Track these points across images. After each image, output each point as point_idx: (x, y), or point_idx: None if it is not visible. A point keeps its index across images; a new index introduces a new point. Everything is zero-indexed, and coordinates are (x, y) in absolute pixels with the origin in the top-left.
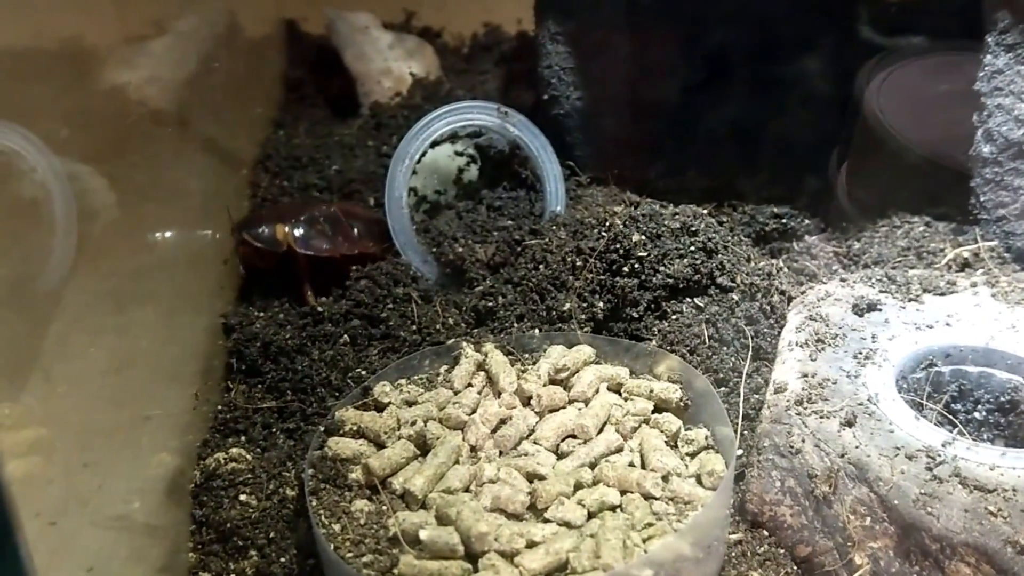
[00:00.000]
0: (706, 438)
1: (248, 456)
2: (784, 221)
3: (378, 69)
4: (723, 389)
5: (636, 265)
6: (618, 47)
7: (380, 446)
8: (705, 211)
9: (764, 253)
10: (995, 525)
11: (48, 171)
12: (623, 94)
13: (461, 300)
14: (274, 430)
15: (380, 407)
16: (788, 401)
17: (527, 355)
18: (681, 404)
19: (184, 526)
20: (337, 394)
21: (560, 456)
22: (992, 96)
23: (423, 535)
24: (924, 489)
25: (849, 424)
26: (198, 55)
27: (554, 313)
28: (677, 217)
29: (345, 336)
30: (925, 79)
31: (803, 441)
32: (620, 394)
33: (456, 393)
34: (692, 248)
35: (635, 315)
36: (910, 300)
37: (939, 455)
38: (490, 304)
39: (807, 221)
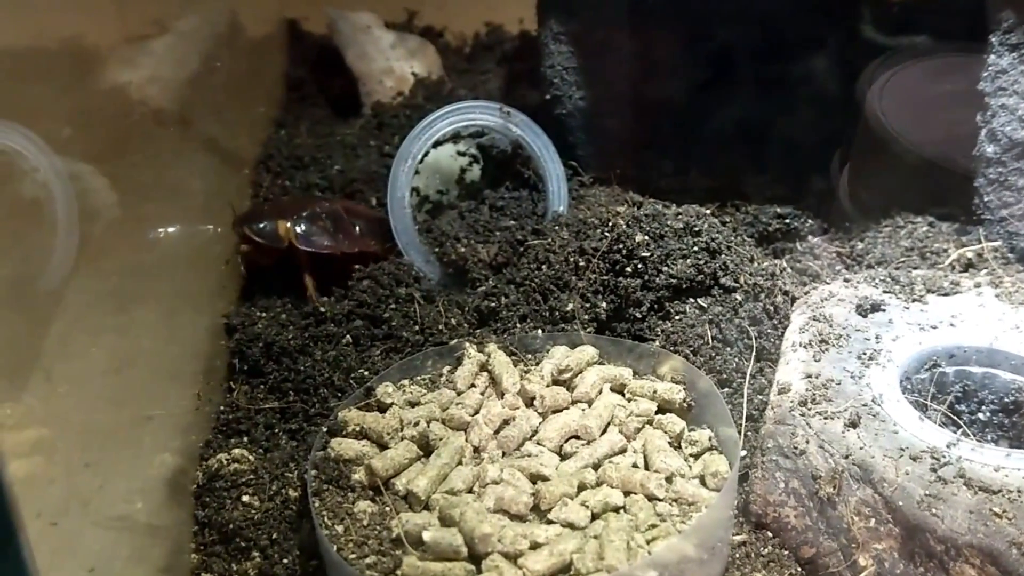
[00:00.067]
0: (710, 439)
1: (251, 457)
2: (787, 221)
3: (380, 69)
4: (727, 390)
5: (639, 265)
6: (621, 47)
7: (383, 447)
8: (708, 211)
9: (767, 253)
10: (1000, 526)
11: (50, 171)
12: (626, 94)
13: (464, 300)
14: (276, 431)
15: (383, 408)
16: (792, 402)
17: (530, 356)
18: (685, 405)
19: (186, 527)
20: (340, 395)
21: (563, 457)
22: (996, 96)
23: (426, 536)
24: (929, 490)
25: (853, 425)
26: (199, 54)
27: (557, 313)
28: (680, 217)
29: (348, 336)
30: (927, 81)
31: (807, 442)
32: (623, 395)
33: (459, 394)
34: (695, 248)
35: (638, 315)
36: (914, 300)
37: (943, 456)
38: (493, 304)
39: (810, 221)
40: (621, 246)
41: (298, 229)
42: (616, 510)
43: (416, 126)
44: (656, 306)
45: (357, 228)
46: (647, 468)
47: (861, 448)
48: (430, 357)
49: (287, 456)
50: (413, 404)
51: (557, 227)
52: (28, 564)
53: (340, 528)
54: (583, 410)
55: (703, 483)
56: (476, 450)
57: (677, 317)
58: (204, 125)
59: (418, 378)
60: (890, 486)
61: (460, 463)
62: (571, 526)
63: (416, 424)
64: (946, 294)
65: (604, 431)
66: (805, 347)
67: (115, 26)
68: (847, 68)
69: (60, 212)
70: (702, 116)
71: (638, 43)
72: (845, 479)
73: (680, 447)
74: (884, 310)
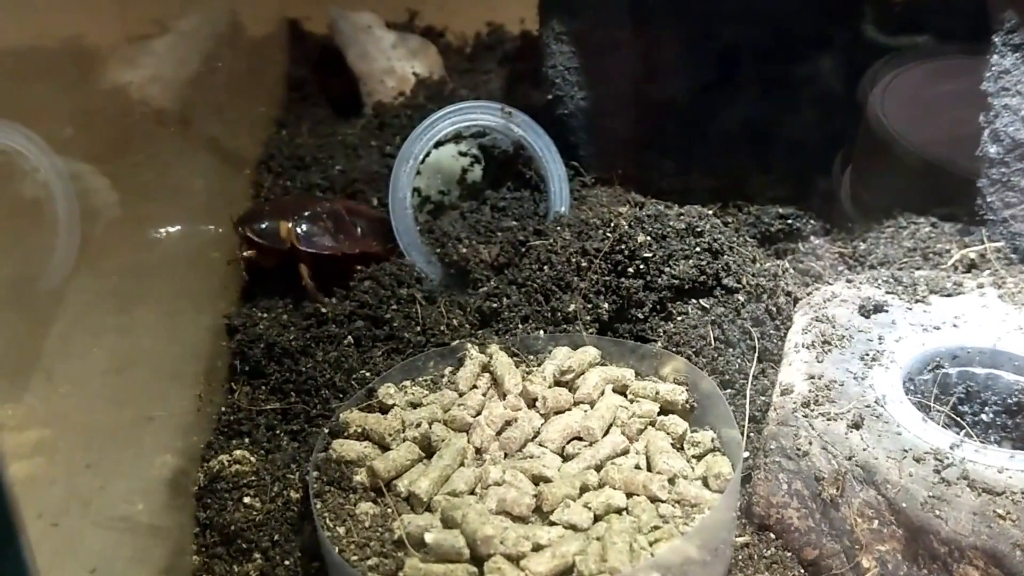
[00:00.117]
0: (712, 440)
1: (252, 458)
2: (790, 222)
3: (381, 69)
4: (729, 391)
5: (641, 266)
6: (622, 47)
7: (385, 448)
8: (710, 212)
9: (770, 254)
10: (1004, 528)
11: (50, 171)
12: (627, 94)
13: (465, 301)
14: (278, 432)
15: (384, 409)
16: (795, 403)
17: (532, 356)
18: (687, 406)
19: (188, 528)
20: (341, 396)
21: (566, 458)
22: (999, 96)
23: (428, 538)
24: (932, 492)
25: (856, 426)
26: (200, 54)
27: (559, 314)
28: (682, 218)
29: (349, 337)
30: (929, 83)
31: (810, 443)
32: (626, 396)
33: (461, 395)
34: (698, 249)
35: (640, 316)
36: (917, 301)
37: (947, 457)
38: (494, 305)
39: (813, 222)
40: (623, 247)
41: (299, 229)
42: (619, 512)
43: (417, 126)
44: (658, 307)
45: (359, 228)
46: (649, 469)
47: (864, 449)
48: (432, 358)
49: (289, 457)
50: (415, 405)
51: (559, 228)
52: (29, 565)
53: (342, 530)
54: (585, 411)
55: (706, 485)
56: (478, 451)
57: (679, 318)
58: (205, 125)
59: (420, 379)
60: (893, 488)
61: (462, 464)
62: (573, 528)
63: (418, 425)
64: (949, 295)
65: (606, 432)
66: (808, 348)
67: (116, 26)
68: (849, 68)
69: (61, 212)
70: (704, 116)
71: (640, 43)
72: (848, 480)
73: (683, 448)
74: (887, 311)
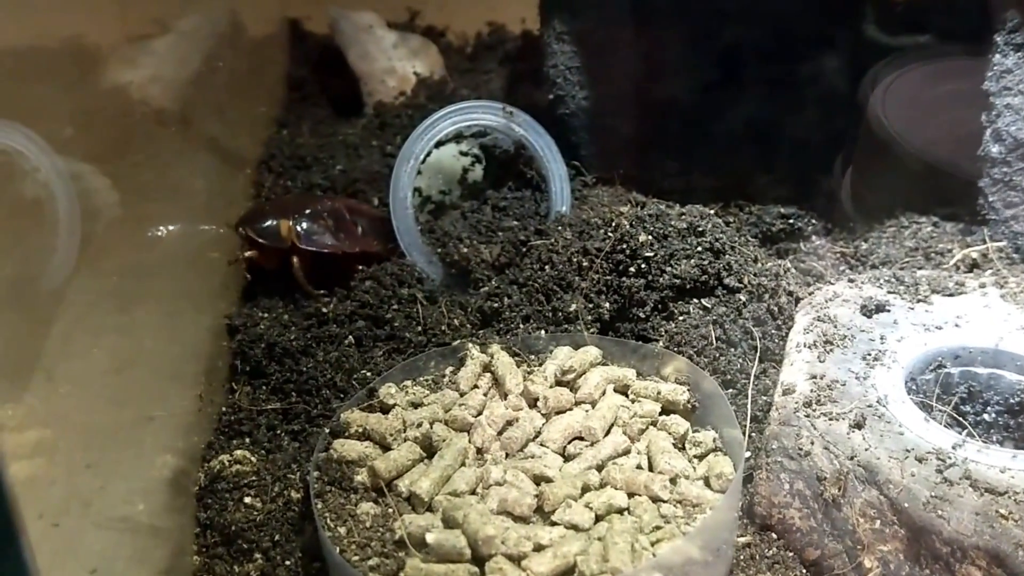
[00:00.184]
0: (714, 440)
1: (253, 458)
2: (791, 222)
3: (382, 68)
4: (731, 391)
5: (643, 265)
6: (624, 46)
7: (386, 448)
8: (712, 211)
9: (771, 254)
10: (1006, 528)
11: (51, 171)
12: (629, 94)
13: (466, 301)
14: (279, 432)
15: (385, 409)
16: (796, 403)
17: (533, 356)
18: (689, 406)
19: (188, 528)
20: (342, 396)
21: (567, 458)
22: (1001, 96)
23: (429, 538)
24: (934, 492)
25: (858, 426)
26: (201, 54)
27: (560, 314)
28: (684, 217)
29: (350, 337)
30: (929, 84)
31: (812, 443)
32: (627, 396)
33: (462, 395)
34: (699, 248)
35: (642, 316)
36: (919, 301)
37: (949, 457)
38: (496, 305)
39: (815, 222)
40: (624, 246)
41: (300, 228)
42: (620, 512)
43: (418, 126)
44: (660, 306)
45: (360, 227)
46: (651, 469)
47: (866, 449)
48: (433, 358)
49: (289, 457)
50: (416, 405)
51: (560, 227)
52: (29, 565)
53: (343, 530)
54: (587, 411)
55: (707, 485)
56: (479, 451)
57: (681, 318)
58: (206, 125)
59: (421, 379)
60: (895, 487)
61: (463, 464)
62: (575, 528)
63: (419, 425)
64: (951, 294)
65: (608, 432)
66: (809, 348)
67: (116, 26)
68: (851, 68)
69: (61, 212)
70: (705, 116)
71: (641, 43)
72: (850, 480)
73: (684, 448)
74: (889, 311)
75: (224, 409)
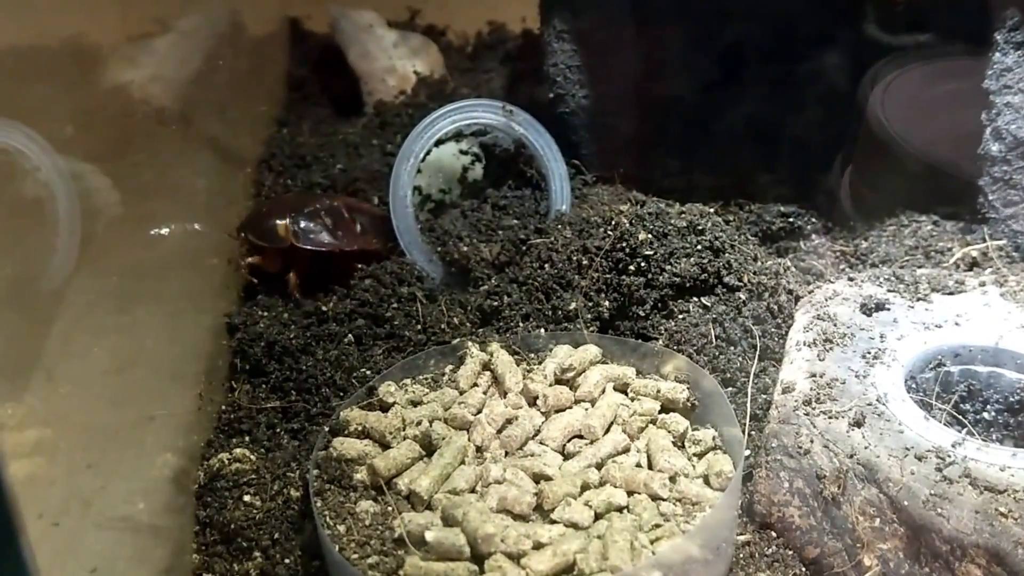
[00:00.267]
0: (714, 438)
1: (252, 457)
2: (791, 220)
3: (382, 67)
4: (730, 389)
5: (642, 264)
6: (624, 45)
7: (385, 446)
8: (712, 210)
9: (771, 252)
10: (1006, 526)
11: (51, 170)
12: (629, 92)
13: (466, 299)
14: (278, 430)
15: (385, 407)
16: (796, 401)
17: (533, 355)
18: (688, 404)
19: (188, 527)
20: (342, 394)
21: (566, 456)
22: (1001, 94)
23: (429, 536)
24: (934, 490)
25: (858, 424)
26: (201, 53)
27: (560, 312)
28: (684, 216)
29: (350, 336)
30: (929, 83)
31: (811, 441)
32: (627, 394)
33: (462, 393)
34: (699, 247)
35: (641, 314)
36: (918, 299)
37: (949, 456)
38: (495, 303)
39: (814, 220)
40: (624, 244)
41: (297, 227)
42: (620, 510)
43: (418, 125)
44: (659, 305)
45: (359, 225)
46: (651, 468)
47: (866, 447)
48: (432, 356)
49: (289, 456)
50: (415, 403)
51: (560, 226)
52: (29, 565)
53: (342, 528)
54: (586, 409)
55: (707, 483)
56: (479, 450)
57: (680, 316)
58: (206, 124)
59: (420, 377)
60: (895, 486)
61: (463, 463)
62: (574, 526)
63: (418, 423)
64: (951, 293)
65: (607, 430)
66: (809, 346)
67: (117, 25)
68: (851, 67)
69: (62, 211)
70: (705, 115)
71: (641, 42)
72: (850, 479)
73: (684, 447)
74: (888, 309)
75: (224, 408)
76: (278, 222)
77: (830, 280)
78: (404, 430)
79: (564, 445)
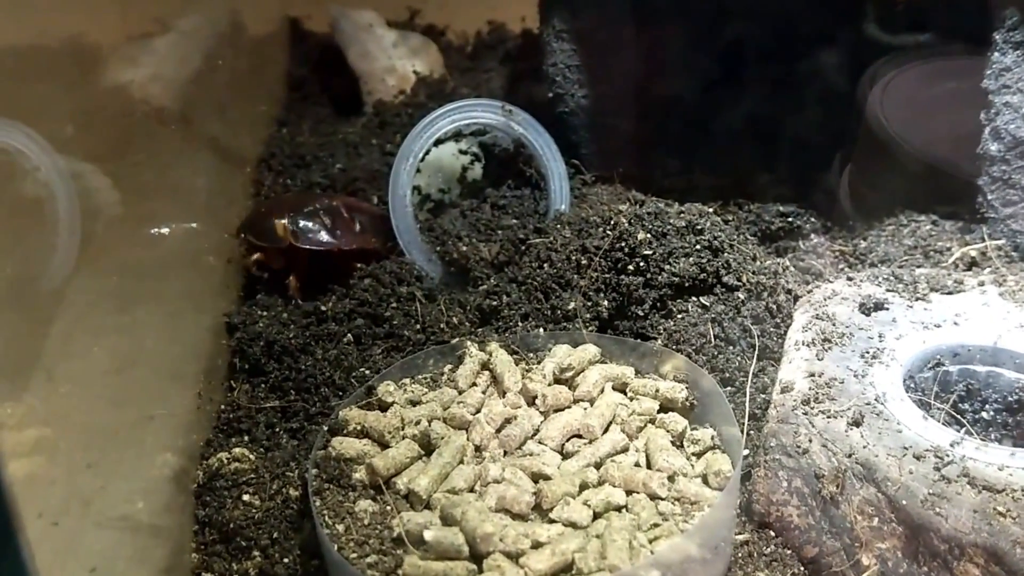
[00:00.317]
0: (712, 438)
1: (251, 456)
2: (790, 220)
3: (382, 67)
4: (729, 388)
5: (641, 263)
6: (623, 45)
7: (384, 446)
8: (711, 209)
9: (770, 252)
10: (1004, 526)
11: (51, 170)
12: (628, 92)
13: (465, 299)
14: (277, 430)
15: (384, 407)
16: (795, 401)
17: (532, 354)
18: (687, 404)
19: (187, 526)
20: (341, 394)
21: (565, 456)
22: (1000, 94)
23: (428, 535)
24: (932, 489)
25: (856, 424)
26: (202, 53)
27: (559, 312)
28: (683, 215)
29: (349, 335)
30: (927, 83)
31: (810, 441)
32: (625, 393)
33: (460, 392)
34: (698, 247)
35: (640, 314)
36: (917, 299)
37: (947, 455)
38: (494, 303)
39: (813, 220)
40: (623, 244)
41: (296, 226)
42: (618, 509)
43: (418, 124)
44: (658, 304)
45: (358, 225)
46: (649, 467)
47: (864, 447)
48: (431, 356)
49: (288, 455)
50: (414, 403)
51: (559, 225)
52: (29, 564)
53: (341, 527)
54: (585, 409)
55: (706, 482)
56: (478, 449)
57: (679, 316)
58: (206, 124)
59: (419, 377)
60: (894, 485)
61: (462, 462)
62: (573, 525)
63: (417, 423)
64: (950, 292)
65: (606, 430)
66: (808, 346)
67: (117, 25)
68: (851, 67)
69: (62, 211)
70: (705, 115)
71: (640, 41)
72: (848, 478)
73: (682, 446)
74: (887, 308)
75: (223, 407)
76: (277, 221)
77: (829, 280)
78: (403, 429)
79: (563, 444)
